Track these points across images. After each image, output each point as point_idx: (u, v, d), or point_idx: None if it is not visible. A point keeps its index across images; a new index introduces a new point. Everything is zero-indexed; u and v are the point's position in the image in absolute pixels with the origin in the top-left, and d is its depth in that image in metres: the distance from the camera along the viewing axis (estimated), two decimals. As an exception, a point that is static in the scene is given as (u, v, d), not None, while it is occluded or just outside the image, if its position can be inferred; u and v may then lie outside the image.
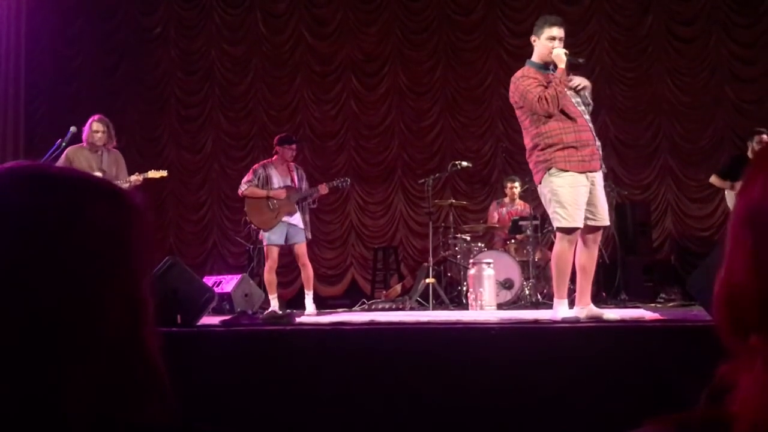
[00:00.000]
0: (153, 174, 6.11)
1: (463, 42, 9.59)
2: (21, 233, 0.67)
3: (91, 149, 5.94)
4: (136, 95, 9.83)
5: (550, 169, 3.99)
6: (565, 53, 4.05)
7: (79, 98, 9.67)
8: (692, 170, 9.11)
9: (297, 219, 6.24)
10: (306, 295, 6.38)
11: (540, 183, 4.10)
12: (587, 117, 4.10)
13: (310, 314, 6.06)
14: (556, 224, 4.04)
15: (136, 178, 5.97)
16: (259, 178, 6.27)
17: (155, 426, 0.71)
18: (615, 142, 9.16)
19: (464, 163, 7.31)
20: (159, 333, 0.74)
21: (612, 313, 4.13)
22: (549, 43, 4.09)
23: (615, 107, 9.18)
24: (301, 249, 6.26)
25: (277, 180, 6.28)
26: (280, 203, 6.19)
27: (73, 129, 5.63)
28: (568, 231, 3.98)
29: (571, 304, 4.20)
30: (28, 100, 9.56)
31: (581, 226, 3.98)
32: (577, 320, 3.89)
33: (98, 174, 5.75)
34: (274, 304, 6.23)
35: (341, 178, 6.75)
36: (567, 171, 3.96)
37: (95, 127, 5.91)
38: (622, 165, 9.19)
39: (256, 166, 6.44)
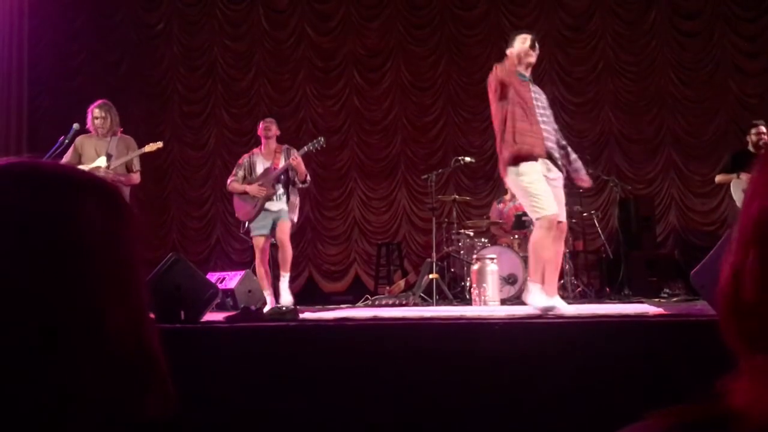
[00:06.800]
0: (149, 148, 5.98)
1: (466, 37, 9.57)
2: (15, 235, 0.66)
3: (99, 135, 5.85)
4: (139, 91, 9.83)
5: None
6: None
7: (82, 94, 9.64)
8: (696, 164, 9.09)
9: (280, 205, 6.03)
10: (281, 279, 6.02)
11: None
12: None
13: (286, 303, 5.76)
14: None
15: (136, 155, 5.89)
16: (244, 169, 6.15)
17: (157, 423, 0.71)
18: (618, 137, 9.15)
19: (467, 159, 7.29)
20: (157, 327, 0.74)
21: (569, 308, 4.24)
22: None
23: (618, 101, 9.15)
24: (282, 226, 5.95)
25: (261, 166, 6.11)
26: (257, 192, 6.01)
27: (76, 126, 5.62)
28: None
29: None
30: (31, 97, 9.58)
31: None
32: (552, 309, 4.04)
33: (103, 158, 5.71)
34: (269, 300, 5.97)
35: (313, 141, 6.19)
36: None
37: (95, 113, 5.84)
38: (626, 159, 9.18)
39: (241, 159, 6.29)
